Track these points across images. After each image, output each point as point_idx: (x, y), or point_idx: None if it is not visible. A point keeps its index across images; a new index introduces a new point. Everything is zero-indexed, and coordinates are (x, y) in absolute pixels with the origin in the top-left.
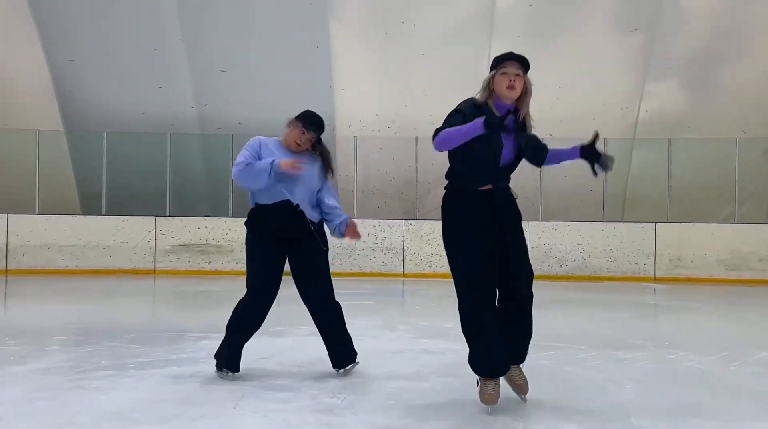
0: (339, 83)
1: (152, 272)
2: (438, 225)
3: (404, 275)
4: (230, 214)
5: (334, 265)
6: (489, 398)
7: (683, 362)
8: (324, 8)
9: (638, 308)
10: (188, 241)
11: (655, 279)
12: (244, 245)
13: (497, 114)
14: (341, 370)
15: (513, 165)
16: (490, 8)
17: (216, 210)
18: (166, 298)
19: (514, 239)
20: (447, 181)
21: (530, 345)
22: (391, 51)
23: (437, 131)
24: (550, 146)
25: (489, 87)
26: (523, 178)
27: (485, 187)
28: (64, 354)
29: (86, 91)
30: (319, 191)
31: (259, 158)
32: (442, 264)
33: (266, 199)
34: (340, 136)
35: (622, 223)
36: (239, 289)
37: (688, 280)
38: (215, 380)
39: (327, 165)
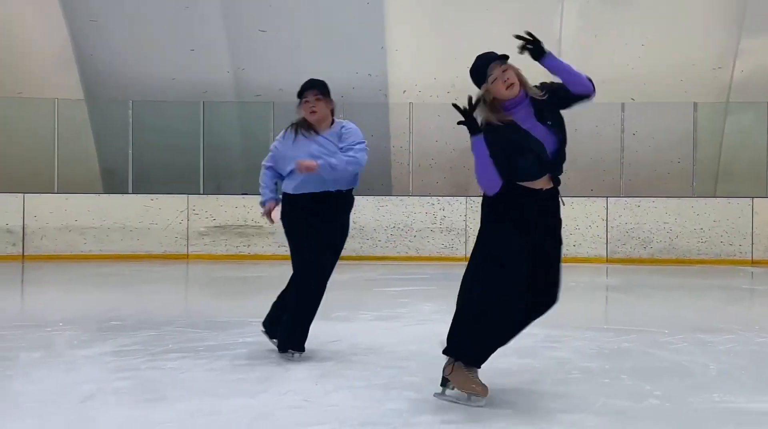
0: (392, 43)
1: (185, 257)
2: None
3: (467, 259)
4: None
5: (387, 249)
6: (483, 389)
7: None
8: None
9: (731, 292)
10: (225, 222)
11: (753, 262)
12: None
13: (511, 118)
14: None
15: (560, 151)
16: None
17: (255, 187)
18: (200, 286)
19: (553, 245)
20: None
21: (611, 329)
22: (451, 6)
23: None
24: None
25: (488, 100)
26: (603, 150)
27: (540, 186)
28: (127, 338)
29: (109, 55)
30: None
31: (275, 159)
32: None
33: (289, 189)
34: (393, 102)
35: (714, 198)
36: (281, 274)
37: None
38: (290, 362)
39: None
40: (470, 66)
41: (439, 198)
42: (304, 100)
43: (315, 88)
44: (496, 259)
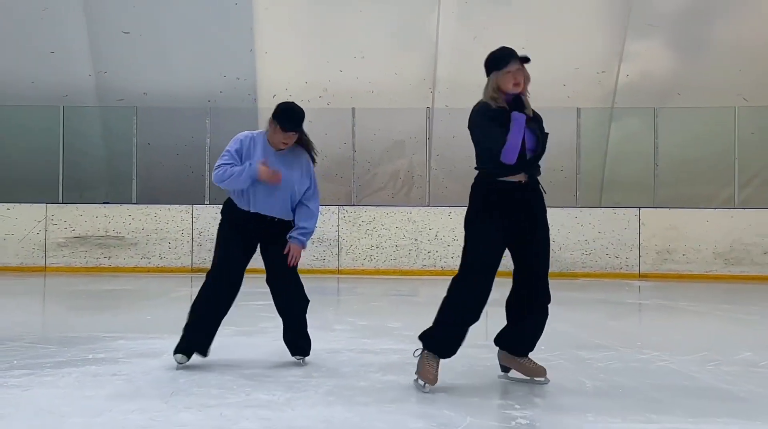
0: (261, 45)
1: (42, 269)
2: (378, 212)
3: (339, 271)
4: (134, 201)
5: (255, 261)
6: (432, 377)
7: (655, 362)
8: None
9: (615, 307)
10: (85, 233)
11: (640, 276)
12: (149, 238)
13: (505, 106)
14: (301, 359)
15: (538, 153)
16: None
17: (117, 196)
18: (59, 299)
19: (541, 234)
20: (477, 172)
21: (483, 345)
22: (322, 7)
23: (492, 142)
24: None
25: (496, 88)
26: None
27: (517, 179)
28: None
29: None
30: (304, 193)
31: (241, 159)
32: (383, 258)
33: (242, 204)
34: (262, 107)
35: (599, 208)
36: (143, 288)
37: (679, 277)
38: (140, 378)
39: (311, 156)
40: (493, 51)
41: None
42: (282, 128)
43: (297, 129)
44: (476, 247)
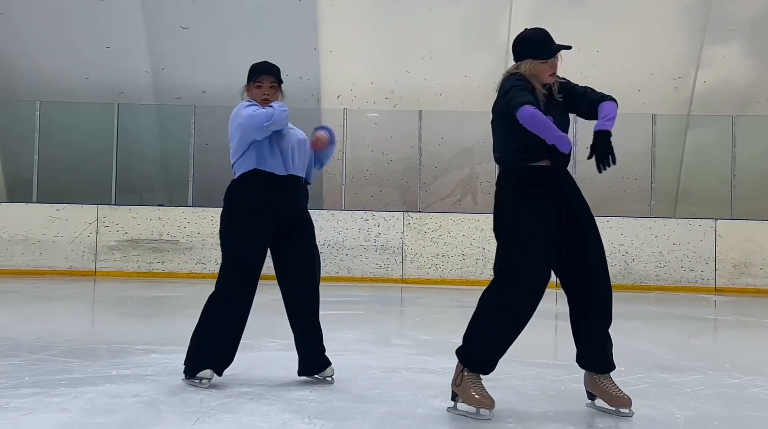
0: (326, 44)
1: (92, 274)
2: (444, 219)
3: (403, 280)
4: (190, 204)
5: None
6: (487, 401)
7: (748, 388)
8: None
9: (693, 324)
10: (137, 236)
11: (716, 290)
12: (205, 242)
13: (558, 97)
14: (318, 376)
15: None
16: None
17: (173, 198)
18: (107, 305)
19: (590, 228)
20: (501, 162)
21: (559, 365)
22: (390, 6)
23: (519, 104)
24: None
25: (533, 73)
26: None
27: (543, 163)
28: None
29: (17, 51)
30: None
31: None
32: (449, 267)
33: (275, 167)
34: (326, 108)
35: (674, 219)
36: (196, 294)
37: (756, 292)
38: (164, 400)
39: None
40: (529, 33)
41: (375, 213)
42: (255, 83)
43: (271, 74)
44: (520, 243)
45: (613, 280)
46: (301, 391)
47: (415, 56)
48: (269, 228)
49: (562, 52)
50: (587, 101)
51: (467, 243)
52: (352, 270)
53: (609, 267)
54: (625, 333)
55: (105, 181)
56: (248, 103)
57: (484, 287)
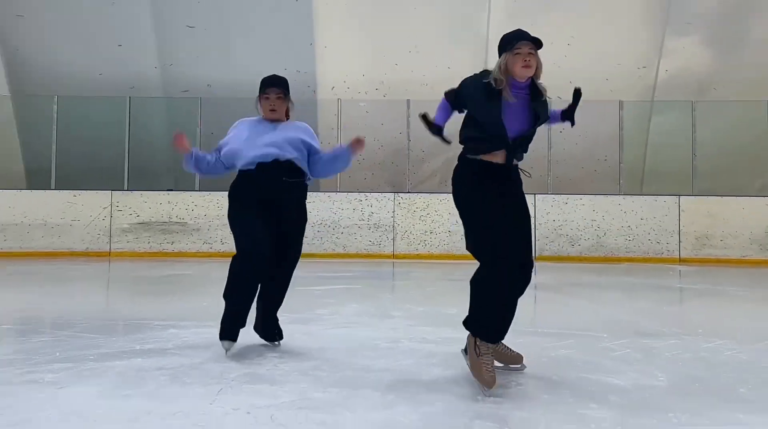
0: (321, 40)
1: (107, 254)
2: (431, 199)
3: (394, 256)
4: (197, 188)
5: (314, 245)
6: (491, 379)
7: (723, 351)
8: None
9: (664, 292)
10: (148, 219)
11: (680, 260)
12: (211, 223)
13: (512, 98)
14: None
15: (528, 136)
16: None
17: (180, 183)
18: (123, 284)
19: (525, 216)
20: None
21: (546, 333)
22: (379, 4)
23: (446, 94)
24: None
25: (503, 69)
26: (530, 146)
27: (497, 160)
28: (13, 345)
29: (35, 50)
30: (312, 152)
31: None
32: (437, 243)
33: (248, 164)
34: (322, 98)
35: (641, 196)
36: (206, 272)
37: (717, 262)
38: (187, 372)
39: None
40: (505, 33)
41: (367, 194)
42: (264, 95)
43: (278, 87)
44: (482, 222)
45: (587, 253)
46: (314, 362)
47: (402, 50)
48: (254, 203)
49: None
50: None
51: (453, 220)
52: (347, 247)
53: (584, 241)
54: (602, 303)
55: (118, 169)
56: (235, 124)
57: (469, 261)
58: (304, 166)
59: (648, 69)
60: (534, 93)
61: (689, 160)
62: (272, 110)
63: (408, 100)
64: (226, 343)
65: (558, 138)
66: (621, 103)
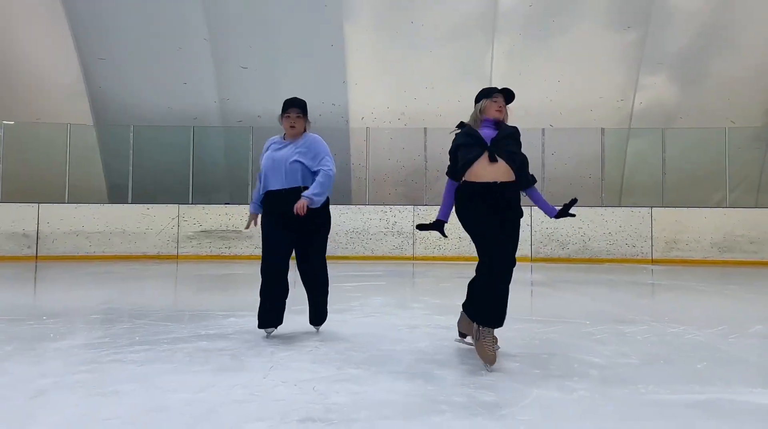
0: (352, 78)
1: (175, 257)
2: None
3: (414, 258)
4: (249, 202)
5: (347, 249)
6: (491, 357)
7: (684, 335)
8: (339, 9)
9: (638, 287)
10: (209, 228)
11: (653, 261)
12: (260, 232)
13: (482, 137)
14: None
15: (500, 140)
16: (492, 8)
17: (235, 198)
18: (188, 282)
19: (512, 231)
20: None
21: (538, 320)
22: (400, 48)
23: (447, 173)
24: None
25: (479, 114)
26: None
27: (485, 179)
28: (100, 331)
29: (115, 87)
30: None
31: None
32: (449, 247)
33: (274, 185)
34: (353, 127)
35: (619, 208)
36: (257, 272)
37: (684, 262)
38: (244, 353)
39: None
40: (484, 88)
41: (392, 206)
42: (285, 115)
43: (297, 107)
44: (477, 233)
45: (574, 255)
46: (347, 344)
47: (420, 86)
48: (278, 217)
49: (517, 95)
50: (523, 172)
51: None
52: (374, 250)
53: (571, 245)
54: (587, 296)
55: (184, 186)
56: (269, 143)
57: (477, 262)
58: (309, 182)
59: (625, 101)
60: (499, 127)
61: (660, 177)
62: (292, 127)
63: (425, 128)
64: (264, 330)
65: (550, 160)
66: (603, 130)
